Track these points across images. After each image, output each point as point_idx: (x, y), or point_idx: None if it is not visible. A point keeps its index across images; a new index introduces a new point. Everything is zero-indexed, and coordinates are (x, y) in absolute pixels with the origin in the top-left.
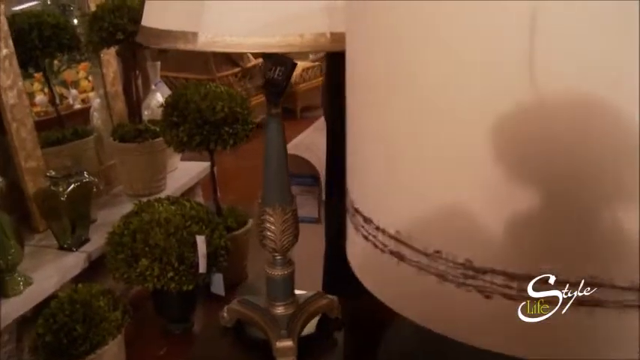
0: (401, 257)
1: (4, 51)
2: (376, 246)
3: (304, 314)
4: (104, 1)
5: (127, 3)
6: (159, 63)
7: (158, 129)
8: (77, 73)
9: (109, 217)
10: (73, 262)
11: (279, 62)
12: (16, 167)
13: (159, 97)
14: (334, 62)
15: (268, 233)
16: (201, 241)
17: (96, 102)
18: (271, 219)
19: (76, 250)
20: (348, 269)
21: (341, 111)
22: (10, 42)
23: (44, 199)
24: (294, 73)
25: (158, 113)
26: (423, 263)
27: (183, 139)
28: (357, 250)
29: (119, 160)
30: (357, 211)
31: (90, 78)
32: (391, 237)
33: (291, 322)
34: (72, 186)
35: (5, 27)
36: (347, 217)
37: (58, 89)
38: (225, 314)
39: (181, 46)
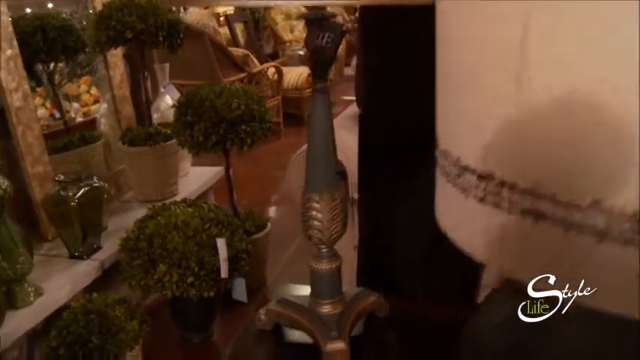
0: (539, 215)
1: (9, 52)
2: (499, 206)
3: (352, 313)
4: (111, 1)
5: (134, 1)
6: (167, 65)
7: (169, 131)
8: (78, 87)
9: (120, 223)
10: (86, 270)
11: (327, 28)
12: (22, 173)
13: (168, 99)
14: (368, 44)
15: (315, 222)
16: (221, 244)
17: (103, 107)
18: (318, 206)
19: (88, 258)
20: (383, 267)
21: (376, 96)
22: (15, 42)
23: (53, 205)
24: (300, 79)
25: (168, 116)
26: (573, 220)
27: (198, 139)
28: (464, 217)
29: (129, 165)
30: (466, 169)
31: (91, 91)
32: (525, 191)
33: (339, 321)
34: (82, 191)
35: (9, 28)
36: (441, 184)
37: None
38: (262, 316)
39: (225, 1)
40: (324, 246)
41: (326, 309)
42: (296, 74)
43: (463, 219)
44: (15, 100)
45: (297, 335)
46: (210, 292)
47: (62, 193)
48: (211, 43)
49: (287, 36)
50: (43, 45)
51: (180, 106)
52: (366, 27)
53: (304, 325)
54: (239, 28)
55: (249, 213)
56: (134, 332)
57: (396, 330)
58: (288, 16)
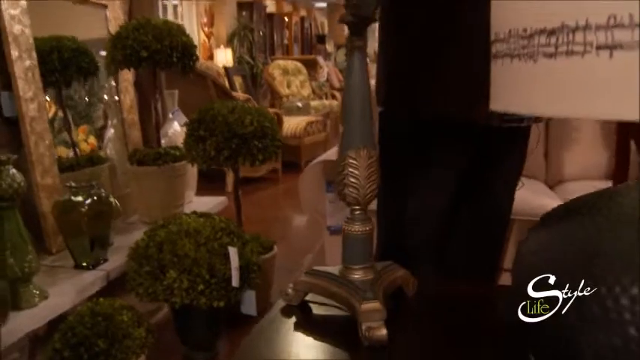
0: (615, 46)
1: (28, 62)
2: (572, 52)
3: (384, 281)
4: (127, 22)
5: (151, 22)
6: (176, 92)
7: (178, 153)
8: (77, 135)
9: (126, 241)
10: (91, 279)
11: None
12: (31, 183)
13: (176, 125)
14: (389, 37)
15: (351, 180)
16: (233, 252)
17: (110, 132)
18: (355, 163)
19: (94, 269)
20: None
21: (396, 90)
22: (34, 54)
23: (63, 211)
24: (298, 127)
25: (175, 141)
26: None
27: (210, 154)
28: (534, 81)
29: (136, 185)
30: (534, 33)
31: (89, 140)
32: (600, 27)
33: (373, 286)
34: (92, 198)
35: (30, 40)
36: (501, 71)
37: (58, 151)
38: (290, 290)
39: None
40: (358, 207)
41: (358, 275)
42: (295, 123)
43: (533, 83)
44: (30, 109)
45: (325, 310)
46: (220, 302)
47: (73, 198)
48: (214, 85)
49: (284, 91)
50: (58, 64)
51: (192, 122)
52: (387, 19)
53: (337, 293)
54: (237, 81)
55: (255, 236)
56: (141, 340)
57: (425, 308)
58: (285, 72)
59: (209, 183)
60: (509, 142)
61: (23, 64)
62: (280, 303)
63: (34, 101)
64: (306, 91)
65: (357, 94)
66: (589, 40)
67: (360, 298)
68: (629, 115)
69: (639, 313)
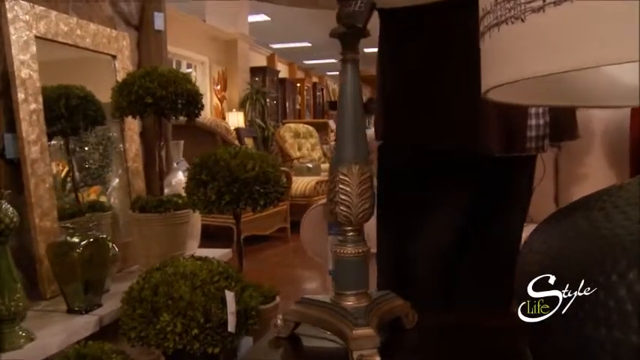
0: None
1: (33, 105)
2: (561, 1)
3: (379, 310)
4: (135, 70)
5: (157, 70)
6: (182, 142)
7: (180, 201)
8: (88, 195)
9: (122, 288)
10: (82, 323)
11: None
12: (29, 226)
13: (180, 175)
14: (385, 72)
15: (342, 197)
16: (230, 297)
17: (114, 181)
18: (347, 180)
19: (86, 313)
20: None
21: (395, 124)
22: (40, 99)
23: (58, 253)
24: (307, 187)
25: (178, 190)
26: None
27: (211, 198)
28: (527, 41)
29: (138, 232)
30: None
31: (100, 199)
32: None
33: (366, 313)
34: (89, 240)
35: (37, 84)
36: (492, 43)
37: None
38: (279, 322)
39: None
40: (350, 228)
41: (350, 301)
42: (304, 182)
43: (524, 43)
44: (32, 152)
45: (316, 342)
46: (214, 349)
47: (68, 239)
48: (223, 142)
49: (295, 153)
50: (65, 111)
51: (195, 167)
52: (385, 52)
53: (327, 320)
54: (249, 143)
55: (257, 285)
56: None
57: (423, 339)
58: (296, 135)
59: (215, 241)
60: (514, 173)
61: (29, 107)
62: (268, 336)
63: (36, 144)
64: (317, 154)
65: (349, 108)
66: None
67: (351, 324)
68: (627, 55)
69: None
